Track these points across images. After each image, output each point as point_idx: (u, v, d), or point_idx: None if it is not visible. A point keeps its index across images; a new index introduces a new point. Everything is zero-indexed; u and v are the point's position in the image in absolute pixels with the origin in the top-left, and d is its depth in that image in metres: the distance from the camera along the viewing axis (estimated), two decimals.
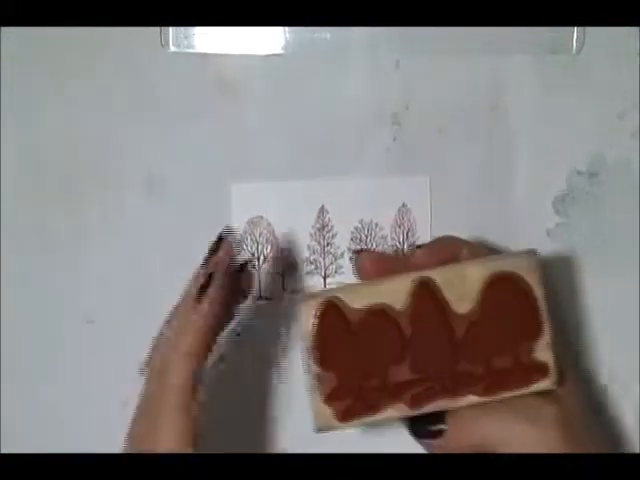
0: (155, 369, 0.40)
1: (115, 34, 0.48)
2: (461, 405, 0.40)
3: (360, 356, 0.40)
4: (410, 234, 0.50)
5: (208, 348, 0.40)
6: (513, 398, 0.40)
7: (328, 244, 0.50)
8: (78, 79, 0.49)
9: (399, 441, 0.45)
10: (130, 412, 0.41)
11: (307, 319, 0.40)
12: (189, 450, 0.39)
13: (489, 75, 0.50)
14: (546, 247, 0.50)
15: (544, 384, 0.40)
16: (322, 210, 0.50)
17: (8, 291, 0.49)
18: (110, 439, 0.41)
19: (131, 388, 0.41)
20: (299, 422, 0.49)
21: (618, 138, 0.50)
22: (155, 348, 0.41)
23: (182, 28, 0.49)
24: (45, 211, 0.49)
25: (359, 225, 0.50)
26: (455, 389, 0.40)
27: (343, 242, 0.50)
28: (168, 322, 0.41)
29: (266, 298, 0.50)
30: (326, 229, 0.50)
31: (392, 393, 0.40)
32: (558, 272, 0.50)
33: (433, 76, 0.50)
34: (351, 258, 0.49)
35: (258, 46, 0.49)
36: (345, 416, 0.40)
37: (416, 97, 0.50)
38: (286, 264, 0.50)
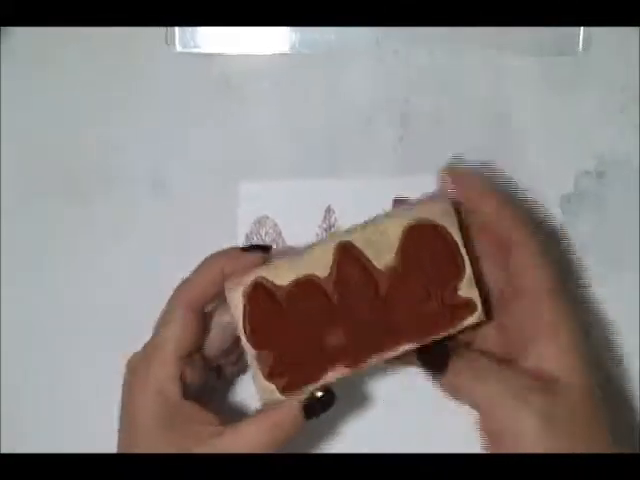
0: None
1: (120, 33, 0.48)
2: (395, 354, 0.41)
3: (293, 330, 0.41)
4: None
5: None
6: (513, 374, 0.40)
7: None
8: (83, 78, 0.49)
9: (399, 441, 0.45)
10: None
11: (236, 304, 0.41)
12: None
13: (495, 76, 0.50)
14: (553, 245, 0.50)
15: (472, 319, 0.41)
16: (329, 210, 0.50)
17: (10, 289, 0.50)
18: (111, 439, 0.41)
19: None
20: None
21: (624, 137, 0.50)
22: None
23: (188, 28, 0.49)
24: (51, 210, 0.50)
25: None
26: (389, 342, 0.41)
27: None
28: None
29: None
30: (333, 229, 0.50)
31: (329, 359, 0.41)
32: (565, 270, 0.50)
33: (440, 78, 0.50)
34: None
35: (263, 46, 0.49)
36: (288, 389, 0.41)
37: (423, 98, 0.50)
38: None
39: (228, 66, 0.49)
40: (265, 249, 0.43)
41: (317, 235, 0.50)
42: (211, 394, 0.45)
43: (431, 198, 0.43)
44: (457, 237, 0.41)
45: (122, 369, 0.42)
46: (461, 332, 0.41)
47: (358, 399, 0.48)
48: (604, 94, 0.50)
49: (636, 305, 0.50)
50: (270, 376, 0.41)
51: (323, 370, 0.41)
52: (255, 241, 0.49)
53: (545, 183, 0.50)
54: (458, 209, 0.42)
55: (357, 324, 0.41)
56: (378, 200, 0.49)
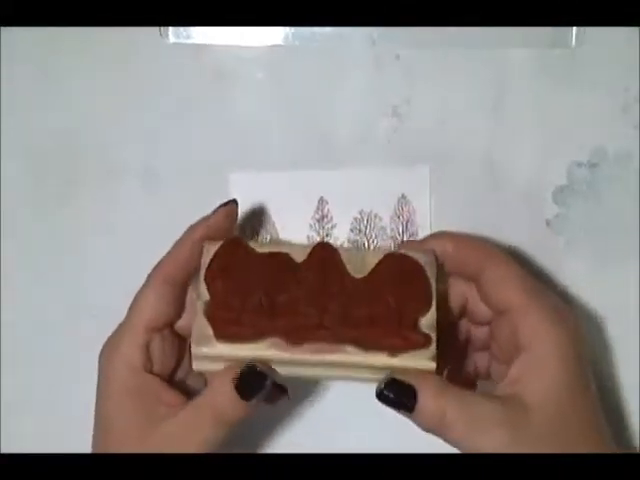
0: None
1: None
2: (337, 358, 0.40)
3: (251, 283, 0.40)
4: (409, 225, 0.50)
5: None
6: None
7: (327, 235, 0.50)
8: (75, 70, 0.50)
9: (399, 441, 0.45)
10: None
11: (209, 251, 0.42)
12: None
13: (490, 68, 0.50)
14: (545, 237, 0.50)
15: (424, 352, 0.39)
16: (321, 201, 0.50)
17: (7, 285, 0.50)
18: None
19: None
20: (299, 422, 0.49)
21: (619, 130, 0.50)
22: None
23: None
24: (42, 203, 0.50)
25: (358, 216, 0.50)
26: (334, 335, 0.40)
27: (342, 233, 0.50)
28: None
29: None
30: (325, 220, 0.50)
31: (272, 326, 0.40)
32: (557, 263, 0.50)
33: (433, 68, 0.50)
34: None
35: (257, 37, 0.49)
36: (222, 337, 0.40)
37: (417, 89, 0.50)
38: None
39: (222, 57, 0.49)
40: (227, 203, 0.44)
41: (310, 226, 0.50)
42: (186, 377, 0.45)
43: (417, 247, 0.43)
44: (432, 280, 0.41)
45: None
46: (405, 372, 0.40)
47: (358, 399, 0.48)
48: (600, 87, 0.50)
49: (629, 297, 0.50)
50: (211, 317, 0.40)
51: (261, 334, 0.40)
52: (248, 233, 0.50)
53: (538, 175, 0.50)
54: (440, 266, 0.42)
55: (314, 304, 0.40)
56: (371, 191, 0.50)
